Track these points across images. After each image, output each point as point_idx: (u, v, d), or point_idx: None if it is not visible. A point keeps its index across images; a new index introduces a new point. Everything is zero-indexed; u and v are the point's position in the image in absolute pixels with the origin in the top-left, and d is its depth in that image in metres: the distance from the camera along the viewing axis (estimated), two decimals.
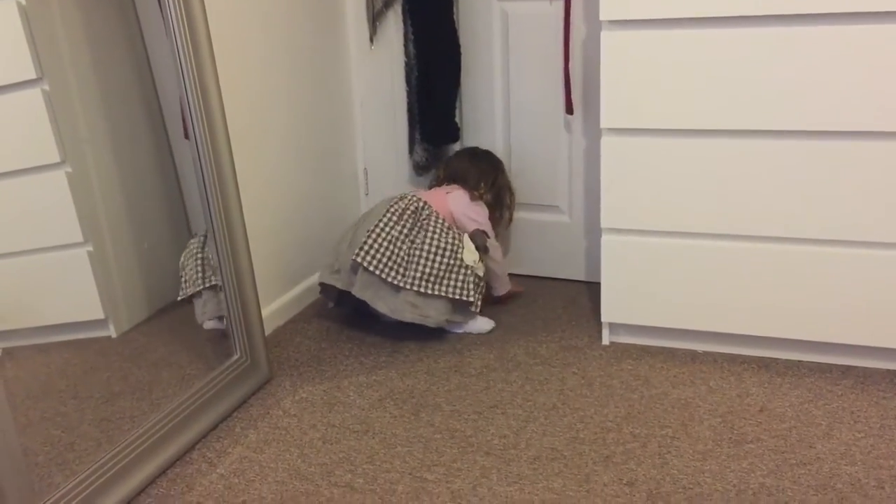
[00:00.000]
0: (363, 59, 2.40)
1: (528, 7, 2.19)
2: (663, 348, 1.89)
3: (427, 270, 1.91)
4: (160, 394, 1.61)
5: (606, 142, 1.76)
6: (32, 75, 1.41)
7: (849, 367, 1.76)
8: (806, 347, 1.78)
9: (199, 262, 1.71)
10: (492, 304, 2.14)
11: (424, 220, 1.97)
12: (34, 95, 1.42)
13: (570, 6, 2.07)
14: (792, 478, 1.40)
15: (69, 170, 1.48)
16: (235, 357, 1.74)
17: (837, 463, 1.43)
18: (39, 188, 1.46)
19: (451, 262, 1.93)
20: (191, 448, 1.56)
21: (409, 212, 1.98)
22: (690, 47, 1.64)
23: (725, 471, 1.43)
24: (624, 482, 1.41)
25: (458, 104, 2.31)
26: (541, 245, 2.36)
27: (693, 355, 1.85)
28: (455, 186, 2.13)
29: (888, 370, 1.73)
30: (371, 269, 1.90)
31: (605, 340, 1.93)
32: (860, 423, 1.55)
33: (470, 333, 2.00)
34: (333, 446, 1.56)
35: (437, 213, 2.00)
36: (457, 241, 1.96)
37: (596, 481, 1.42)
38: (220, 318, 1.74)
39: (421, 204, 2.00)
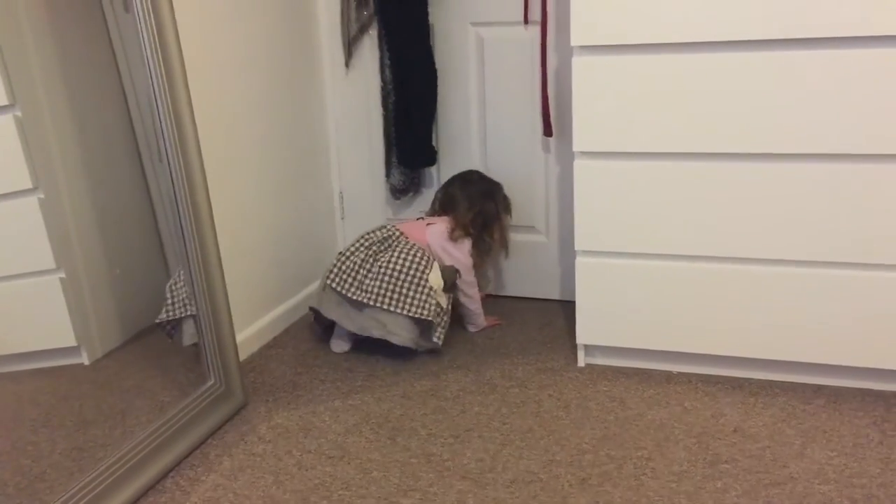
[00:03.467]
0: (338, 84, 2.41)
1: (502, 32, 2.22)
2: (638, 369, 1.90)
3: (389, 287, 1.94)
4: (133, 421, 1.59)
5: (579, 165, 1.78)
6: (4, 101, 1.41)
7: (820, 386, 1.77)
8: (778, 367, 1.80)
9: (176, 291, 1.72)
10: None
11: (393, 242, 2.01)
12: (6, 122, 1.41)
13: (546, 30, 2.10)
14: (766, 497, 1.41)
15: (42, 196, 1.47)
16: (209, 383, 1.72)
17: (811, 482, 1.45)
18: (11, 215, 1.44)
19: (414, 280, 1.94)
20: (164, 476, 1.55)
21: (379, 238, 2.02)
22: (660, 72, 1.66)
23: (700, 491, 1.43)
24: None
25: (434, 128, 2.33)
26: (518, 265, 2.37)
27: (668, 376, 1.86)
28: (441, 219, 2.12)
29: (859, 388, 1.75)
30: (337, 288, 1.96)
31: (581, 362, 1.94)
32: (833, 442, 1.57)
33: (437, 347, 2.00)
34: (309, 472, 1.55)
35: (408, 239, 2.02)
36: (423, 263, 1.97)
37: None
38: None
39: (394, 232, 2.04)
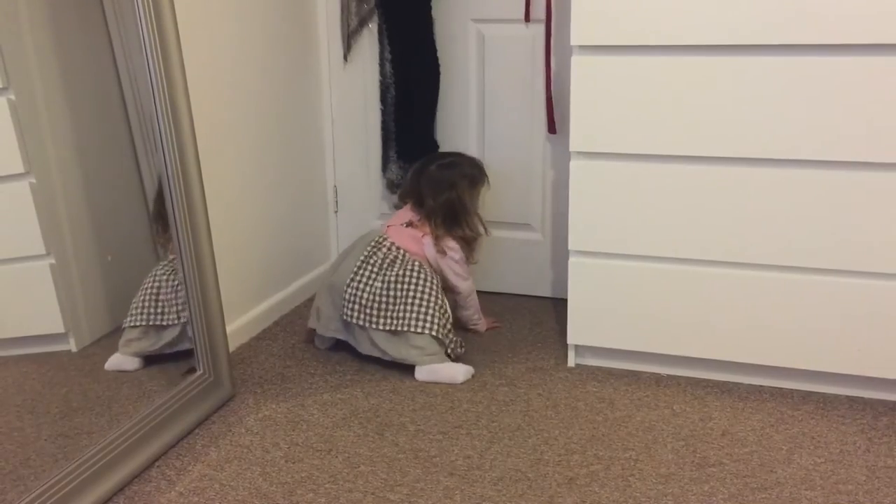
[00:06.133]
0: (336, 77, 2.40)
1: (504, 29, 2.21)
2: (628, 371, 1.90)
3: (424, 309, 1.87)
4: (120, 410, 1.59)
5: (575, 165, 1.77)
6: None
7: (809, 393, 1.78)
8: (768, 372, 1.80)
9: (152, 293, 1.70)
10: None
11: (402, 266, 1.92)
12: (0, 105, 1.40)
13: (550, 29, 2.10)
14: (753, 502, 1.41)
15: (33, 180, 1.46)
16: (198, 373, 1.71)
17: (798, 488, 1.45)
18: (2, 199, 1.43)
19: (438, 300, 1.90)
20: (150, 465, 1.54)
21: (387, 261, 1.92)
22: (659, 74, 1.66)
23: (687, 494, 1.44)
24: None
25: (433, 123, 2.32)
26: (513, 263, 2.37)
27: (657, 379, 1.86)
28: (422, 223, 2.01)
29: (847, 396, 1.76)
30: (363, 324, 1.89)
31: (571, 362, 1.94)
32: (820, 449, 1.57)
33: (439, 383, 1.88)
34: (296, 465, 1.55)
35: (413, 259, 1.93)
36: (436, 285, 1.92)
37: (559, 503, 1.41)
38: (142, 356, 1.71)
39: (397, 253, 1.94)
